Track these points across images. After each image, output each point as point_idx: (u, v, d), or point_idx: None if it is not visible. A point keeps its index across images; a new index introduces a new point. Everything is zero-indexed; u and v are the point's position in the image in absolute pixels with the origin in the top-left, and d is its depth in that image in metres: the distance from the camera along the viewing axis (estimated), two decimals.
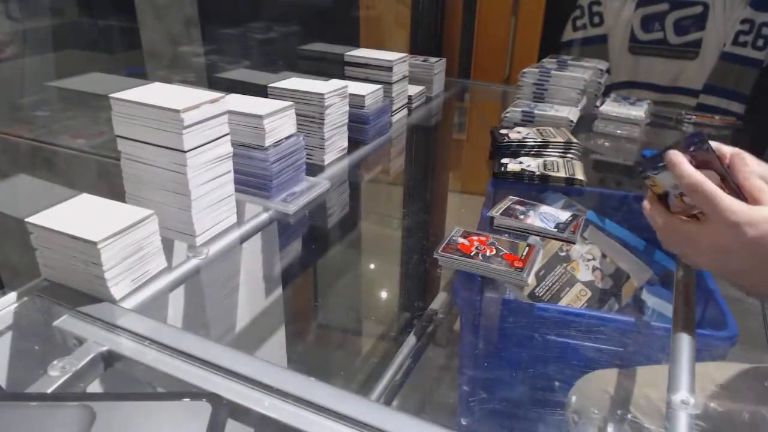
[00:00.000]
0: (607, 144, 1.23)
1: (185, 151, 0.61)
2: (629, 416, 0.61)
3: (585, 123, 1.26)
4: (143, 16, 1.03)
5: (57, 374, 0.46)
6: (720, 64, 1.77)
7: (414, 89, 1.23)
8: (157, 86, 0.67)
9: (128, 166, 0.66)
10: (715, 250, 0.52)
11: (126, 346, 0.50)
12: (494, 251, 0.72)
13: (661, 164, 0.55)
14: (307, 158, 0.83)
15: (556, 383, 0.73)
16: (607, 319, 0.74)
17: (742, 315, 0.73)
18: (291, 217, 0.76)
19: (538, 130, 1.08)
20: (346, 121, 0.95)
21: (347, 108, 0.94)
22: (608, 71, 1.39)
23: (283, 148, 0.77)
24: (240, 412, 0.44)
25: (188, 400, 0.38)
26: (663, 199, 0.56)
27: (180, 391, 0.46)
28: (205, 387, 0.46)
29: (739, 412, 0.59)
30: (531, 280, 0.73)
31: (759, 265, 0.49)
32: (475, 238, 0.75)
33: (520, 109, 1.19)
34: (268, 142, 0.75)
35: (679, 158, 0.53)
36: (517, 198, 0.87)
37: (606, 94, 1.39)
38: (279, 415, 0.43)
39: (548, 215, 0.82)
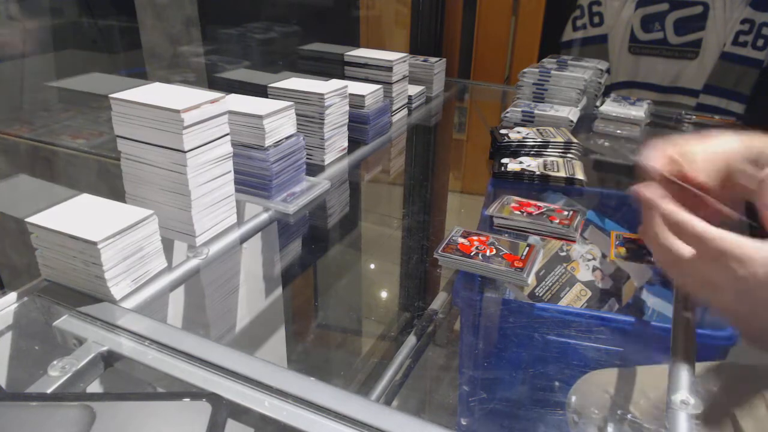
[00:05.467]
0: (607, 144, 1.23)
1: (185, 151, 0.61)
2: (629, 416, 0.61)
3: (585, 123, 1.26)
4: (143, 16, 1.03)
5: (57, 374, 0.46)
6: (720, 64, 1.76)
7: (414, 89, 1.23)
8: (157, 86, 0.67)
9: (128, 166, 0.66)
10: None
11: (126, 346, 0.50)
12: (494, 251, 0.72)
13: None
14: (307, 158, 0.83)
15: (556, 383, 0.73)
16: (607, 319, 0.74)
17: None
18: (291, 217, 0.76)
19: (538, 130, 1.08)
20: (346, 121, 0.95)
21: (347, 108, 0.94)
22: (608, 71, 1.39)
23: (283, 148, 0.77)
24: (240, 412, 0.44)
25: (188, 400, 0.38)
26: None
27: (180, 391, 0.46)
28: (205, 387, 0.46)
29: (740, 412, 0.59)
30: (531, 280, 0.73)
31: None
32: (475, 238, 0.75)
33: (520, 109, 1.19)
34: (268, 142, 0.75)
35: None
36: (514, 197, 0.87)
37: (606, 94, 1.39)
38: (279, 415, 0.43)
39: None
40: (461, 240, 0.74)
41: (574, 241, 0.81)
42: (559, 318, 0.73)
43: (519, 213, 0.80)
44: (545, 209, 0.81)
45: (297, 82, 0.91)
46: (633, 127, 1.27)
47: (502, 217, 0.81)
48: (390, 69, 1.11)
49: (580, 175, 0.94)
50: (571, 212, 0.82)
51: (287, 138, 0.78)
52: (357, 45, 1.22)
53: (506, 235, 0.79)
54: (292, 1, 1.43)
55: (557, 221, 0.78)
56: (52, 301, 0.55)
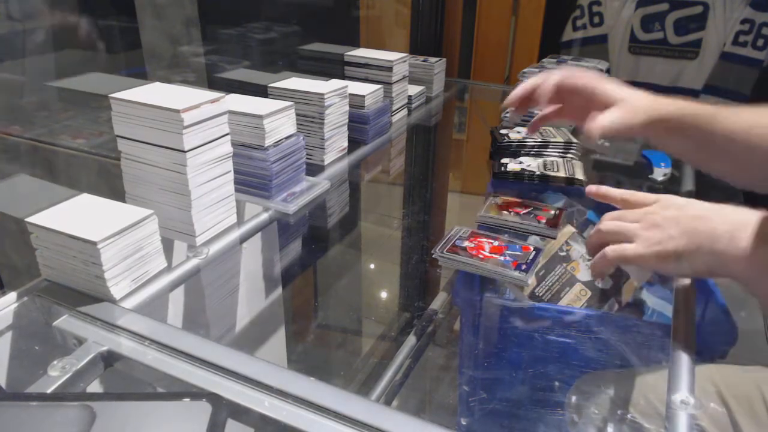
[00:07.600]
0: (607, 144, 1.23)
1: (185, 151, 0.61)
2: (629, 416, 0.61)
3: None
4: (143, 16, 1.03)
5: (57, 374, 0.46)
6: (720, 64, 1.77)
7: (414, 89, 1.23)
8: (157, 86, 0.67)
9: (128, 166, 0.66)
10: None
11: (126, 346, 0.50)
12: (496, 251, 0.72)
13: None
14: (307, 158, 0.83)
15: (556, 383, 0.73)
16: (607, 319, 0.74)
17: (743, 316, 0.73)
18: (291, 217, 0.76)
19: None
20: (346, 121, 0.95)
21: (347, 108, 0.94)
22: (608, 71, 1.39)
23: (283, 148, 0.77)
24: (240, 412, 0.44)
25: (188, 400, 0.38)
26: None
27: (180, 391, 0.46)
28: (205, 387, 0.46)
29: (740, 413, 0.59)
30: (531, 280, 0.73)
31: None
32: (475, 237, 0.75)
33: None
34: (268, 142, 0.75)
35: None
36: (502, 196, 0.87)
37: None
38: (279, 415, 0.43)
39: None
40: (462, 240, 0.74)
41: (554, 238, 0.82)
42: (559, 318, 0.73)
43: (507, 212, 0.81)
44: (532, 209, 0.81)
45: (297, 82, 0.91)
46: None
47: (489, 216, 0.81)
48: (390, 69, 1.11)
49: (580, 175, 0.94)
50: (557, 211, 0.82)
51: (287, 138, 0.78)
52: (357, 45, 1.22)
53: (506, 235, 0.79)
54: (292, 1, 1.43)
55: (544, 221, 0.78)
56: (52, 301, 0.55)
